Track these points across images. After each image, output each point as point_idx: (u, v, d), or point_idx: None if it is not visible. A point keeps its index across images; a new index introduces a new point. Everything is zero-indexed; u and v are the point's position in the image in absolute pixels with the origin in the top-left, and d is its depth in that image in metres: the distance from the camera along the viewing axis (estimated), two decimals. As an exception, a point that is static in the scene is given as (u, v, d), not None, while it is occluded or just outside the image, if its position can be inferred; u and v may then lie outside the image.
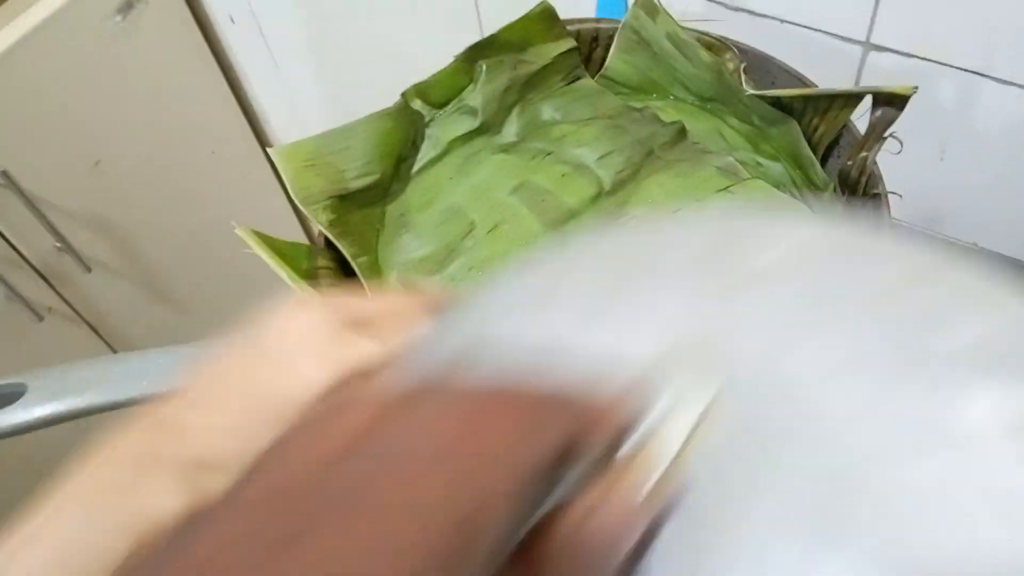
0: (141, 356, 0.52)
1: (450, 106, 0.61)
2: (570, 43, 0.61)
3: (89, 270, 1.05)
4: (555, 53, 0.61)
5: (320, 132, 0.56)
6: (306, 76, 1.08)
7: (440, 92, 0.60)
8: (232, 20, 1.08)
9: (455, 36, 0.83)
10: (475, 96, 0.60)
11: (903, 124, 0.48)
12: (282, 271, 0.50)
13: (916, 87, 0.47)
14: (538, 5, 0.59)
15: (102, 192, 1.05)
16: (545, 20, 0.60)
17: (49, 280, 1.03)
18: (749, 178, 0.54)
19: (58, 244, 1.00)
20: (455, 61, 0.59)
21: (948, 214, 0.59)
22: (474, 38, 0.58)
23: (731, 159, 0.55)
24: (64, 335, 1.05)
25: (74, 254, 1.02)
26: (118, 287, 1.11)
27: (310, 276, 0.52)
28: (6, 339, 1.00)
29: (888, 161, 0.49)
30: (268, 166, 1.26)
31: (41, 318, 1.02)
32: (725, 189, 0.54)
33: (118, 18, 0.98)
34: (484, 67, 0.59)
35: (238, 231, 0.50)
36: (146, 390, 0.51)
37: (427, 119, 0.60)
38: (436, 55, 0.59)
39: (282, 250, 0.51)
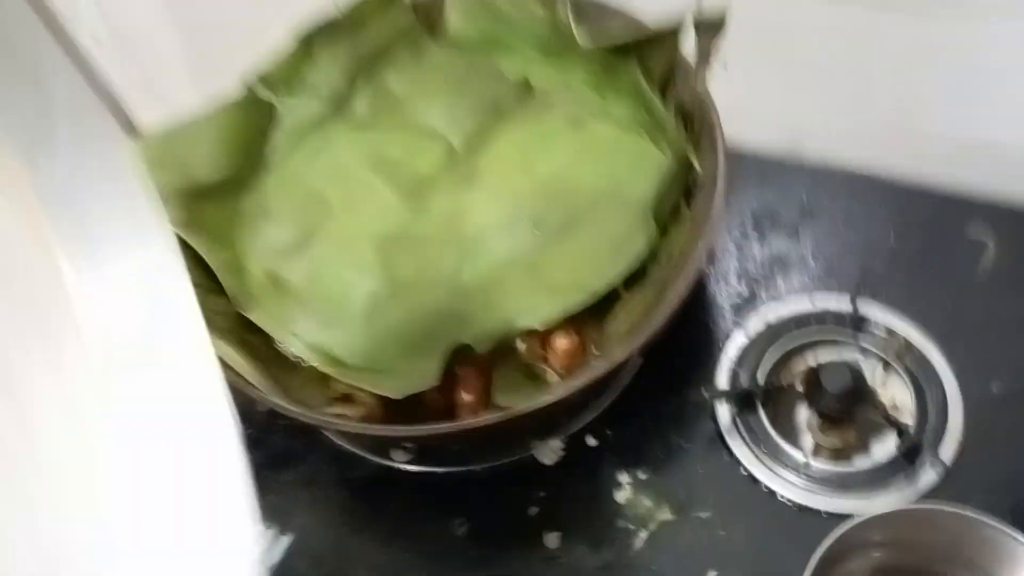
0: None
1: (296, 90, 0.60)
2: (404, 16, 0.61)
3: None
4: (394, 29, 0.61)
5: (169, 127, 0.55)
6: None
7: (283, 77, 0.59)
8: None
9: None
10: (318, 75, 0.59)
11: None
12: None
13: (728, 7, 0.48)
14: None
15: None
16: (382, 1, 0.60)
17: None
18: (593, 122, 0.55)
19: None
20: (294, 45, 0.58)
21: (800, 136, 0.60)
22: None
23: (578, 108, 0.55)
24: None
25: None
26: None
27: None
28: None
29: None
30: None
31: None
32: (572, 137, 0.54)
33: None
34: (324, 47, 0.59)
35: None
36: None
37: (275, 106, 0.59)
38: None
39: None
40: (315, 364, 0.49)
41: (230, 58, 0.59)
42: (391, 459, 0.53)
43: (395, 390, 0.47)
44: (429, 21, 0.62)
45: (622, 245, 0.49)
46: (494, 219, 0.52)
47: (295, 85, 0.59)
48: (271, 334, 0.50)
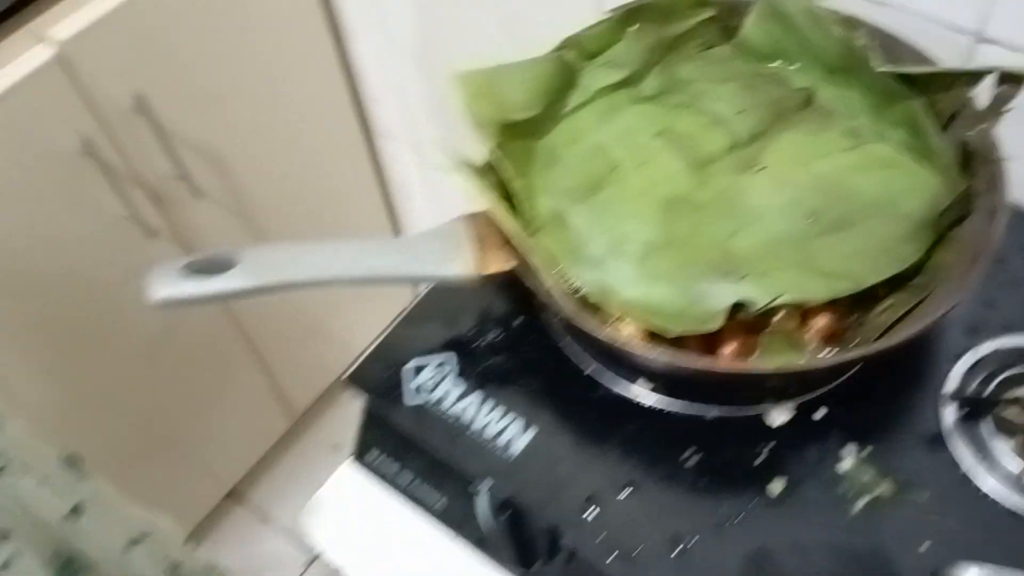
0: (331, 245, 0.58)
1: (599, 59, 0.67)
2: (711, 12, 0.68)
3: (200, 198, 1.12)
4: (696, 20, 0.68)
5: (492, 66, 0.63)
6: (413, 33, 1.14)
7: (592, 46, 0.67)
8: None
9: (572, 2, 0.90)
10: (623, 53, 0.67)
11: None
12: (475, 183, 0.57)
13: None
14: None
15: (219, 125, 1.12)
16: None
17: (161, 205, 1.09)
18: (873, 141, 0.61)
19: (175, 171, 1.07)
20: (609, 20, 0.66)
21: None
22: (590, 7, 0.66)
23: (857, 123, 0.62)
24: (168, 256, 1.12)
25: (189, 181, 1.08)
26: (222, 217, 1.18)
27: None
28: (120, 255, 1.07)
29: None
30: (356, 118, 1.33)
31: (152, 237, 1.09)
32: (851, 149, 0.61)
33: (253, -37, 1.05)
34: (635, 27, 0.66)
35: (435, 149, 0.58)
36: (337, 273, 0.58)
37: (578, 69, 0.67)
38: (551, 22, 0.66)
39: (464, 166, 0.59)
40: (592, 294, 0.56)
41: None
42: (633, 386, 0.60)
43: (674, 324, 0.53)
44: (724, 23, 0.68)
45: (893, 249, 0.55)
46: (772, 202, 0.59)
47: (599, 54, 0.67)
48: (556, 260, 0.58)
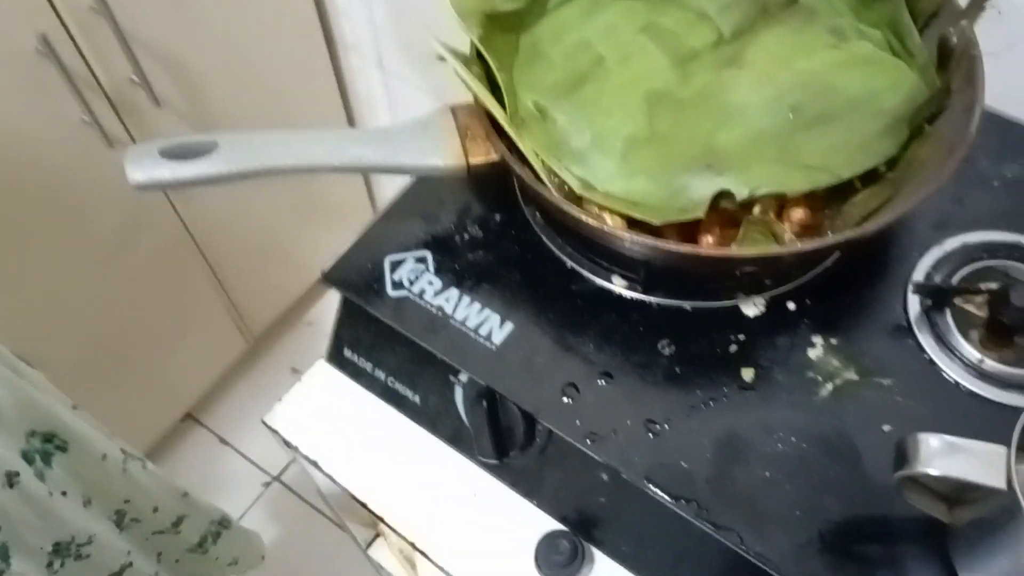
0: (314, 133, 0.58)
1: None
2: None
3: (159, 106, 1.09)
4: None
5: None
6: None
7: None
8: None
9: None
10: None
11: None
12: (461, 70, 0.56)
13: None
14: None
15: (180, 33, 1.08)
16: None
17: (119, 111, 1.06)
18: (855, 39, 0.61)
19: (135, 77, 1.04)
20: None
21: (1015, 97, 0.67)
22: None
23: (839, 21, 0.62)
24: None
25: (148, 88, 1.05)
26: (180, 128, 1.15)
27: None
28: (80, 161, 1.04)
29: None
30: (321, 31, 1.30)
31: (112, 145, 1.06)
32: (834, 47, 0.61)
33: None
34: None
35: (432, 42, 0.56)
36: (320, 160, 0.57)
37: None
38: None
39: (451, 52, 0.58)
40: (575, 187, 0.57)
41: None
42: (611, 282, 0.61)
43: (656, 216, 0.54)
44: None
45: (871, 144, 0.56)
46: (754, 98, 0.59)
47: None
48: (539, 154, 0.58)
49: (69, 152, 1.03)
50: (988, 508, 0.45)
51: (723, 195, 0.54)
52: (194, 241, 1.27)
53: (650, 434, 0.54)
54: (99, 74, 1.01)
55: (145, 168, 0.53)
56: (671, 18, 0.63)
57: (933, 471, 0.42)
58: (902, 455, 0.44)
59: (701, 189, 0.55)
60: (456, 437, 0.63)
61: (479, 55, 0.60)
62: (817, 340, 0.57)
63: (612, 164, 0.58)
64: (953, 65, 0.57)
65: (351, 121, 1.47)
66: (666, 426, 0.55)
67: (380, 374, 0.65)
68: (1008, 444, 0.42)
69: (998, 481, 0.41)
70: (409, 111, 1.32)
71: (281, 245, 1.44)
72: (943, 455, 0.42)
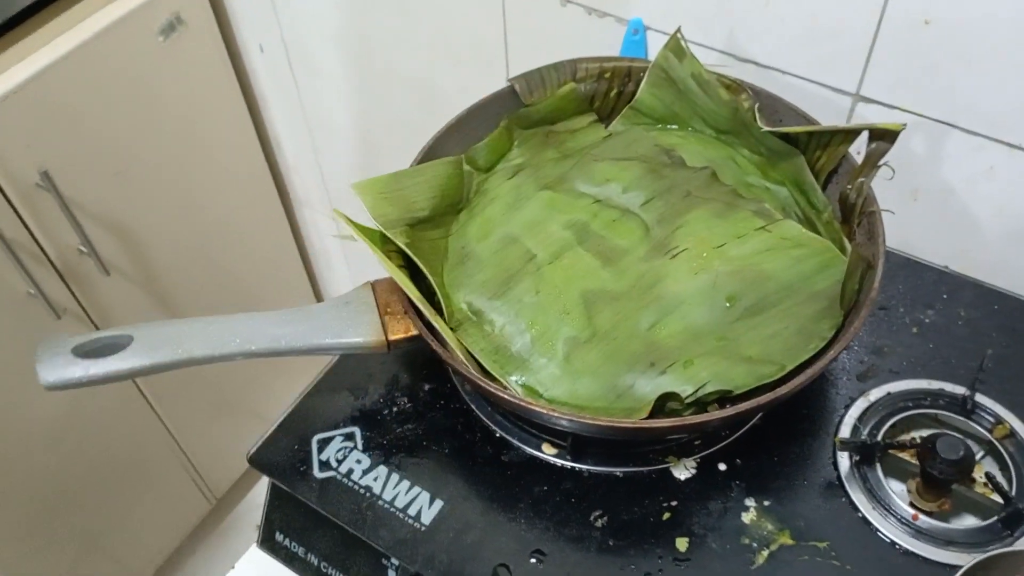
0: (231, 319, 0.58)
1: (497, 167, 0.69)
2: (592, 117, 0.70)
3: (108, 274, 1.09)
4: (581, 125, 0.71)
5: (393, 172, 0.63)
6: (329, 104, 1.15)
7: (486, 157, 0.68)
8: (261, 49, 1.15)
9: (484, 73, 0.92)
10: (517, 157, 0.68)
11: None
12: (374, 249, 0.57)
13: (905, 124, 0.57)
14: (566, 86, 0.69)
15: (127, 200, 1.10)
16: (572, 100, 0.70)
17: (68, 281, 1.07)
18: (782, 219, 0.61)
19: (82, 247, 1.05)
20: (498, 129, 0.68)
21: (922, 243, 0.69)
22: (501, 77, 0.67)
23: (764, 205, 0.62)
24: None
25: (96, 257, 1.06)
26: (132, 293, 1.15)
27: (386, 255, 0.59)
28: (26, 333, 1.03)
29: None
30: (274, 188, 1.33)
31: (59, 316, 1.06)
32: (762, 228, 0.61)
33: (160, 38, 1.05)
34: (522, 136, 0.69)
35: (336, 214, 0.57)
36: (237, 348, 0.57)
37: (476, 180, 0.67)
38: (464, 92, 0.67)
39: (364, 231, 0.59)
40: (520, 393, 0.56)
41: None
42: (541, 451, 0.60)
43: (603, 416, 0.53)
44: (615, 86, 0.71)
45: (811, 329, 0.55)
46: (690, 288, 0.58)
47: (494, 162, 0.69)
48: (478, 358, 0.57)
49: (15, 326, 1.03)
50: None
51: (669, 396, 0.52)
52: (147, 403, 1.25)
53: (585, 615, 0.52)
54: (45, 245, 1.02)
55: (57, 368, 0.53)
56: (597, 220, 0.62)
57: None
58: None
59: (646, 388, 0.54)
60: (392, 624, 0.60)
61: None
62: (750, 503, 0.56)
63: (555, 367, 0.56)
64: (854, 221, 0.59)
65: (310, 276, 1.49)
66: (601, 605, 0.53)
67: (313, 559, 0.63)
68: (935, 623, 0.41)
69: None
70: (366, 263, 1.34)
71: (238, 399, 1.43)
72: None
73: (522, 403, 0.53)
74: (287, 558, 0.64)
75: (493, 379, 0.56)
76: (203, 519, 1.47)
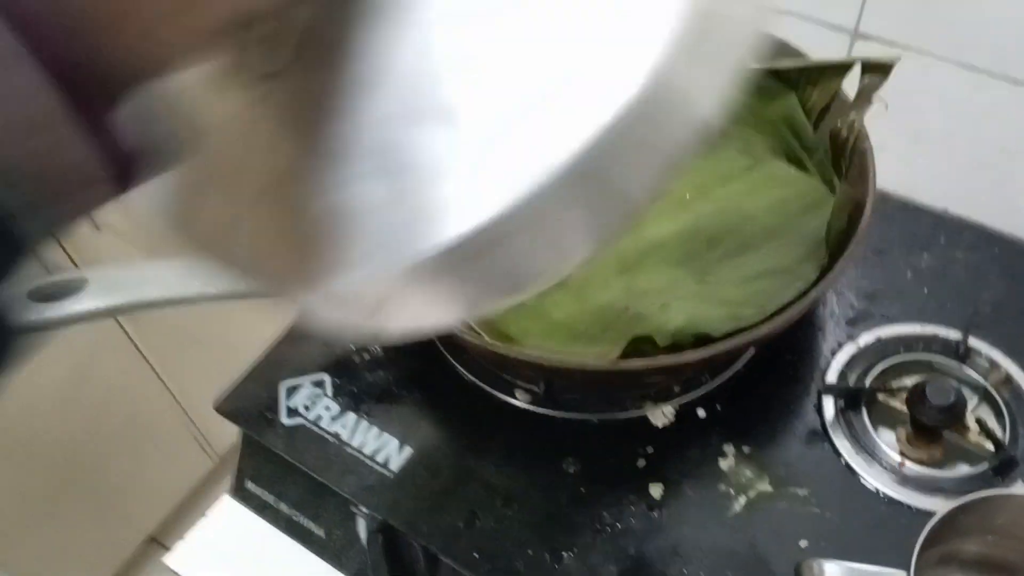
0: (192, 260, 0.56)
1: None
2: None
3: (99, 230, 1.08)
4: None
5: None
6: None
7: None
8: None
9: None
10: None
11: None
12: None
13: (899, 56, 0.54)
14: None
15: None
16: None
17: (60, 241, 1.06)
18: (769, 159, 0.59)
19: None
20: None
21: (921, 186, 0.66)
22: None
23: (751, 144, 0.59)
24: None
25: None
26: (125, 249, 1.15)
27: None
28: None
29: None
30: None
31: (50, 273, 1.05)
32: (748, 168, 0.59)
33: None
34: None
35: None
36: (195, 291, 0.55)
37: None
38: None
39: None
40: (487, 337, 0.53)
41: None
42: (513, 397, 0.58)
43: (574, 358, 0.51)
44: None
45: (795, 271, 0.53)
46: (670, 230, 0.56)
47: None
48: None
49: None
50: (900, 637, 0.41)
51: (642, 339, 0.50)
52: (148, 363, 1.25)
53: (555, 564, 0.51)
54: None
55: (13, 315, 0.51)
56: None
57: (830, 602, 0.39)
58: (798, 583, 0.40)
59: (619, 332, 0.52)
60: (363, 573, 0.59)
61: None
62: (728, 449, 0.54)
63: (527, 317, 0.54)
64: (845, 159, 0.56)
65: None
66: (572, 553, 0.51)
67: (284, 507, 0.61)
68: (908, 565, 0.39)
69: (899, 611, 0.38)
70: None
71: (238, 358, 1.42)
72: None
73: (492, 348, 0.51)
74: (259, 507, 0.63)
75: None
76: (206, 476, 1.47)
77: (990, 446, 0.52)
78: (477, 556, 0.51)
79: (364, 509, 0.56)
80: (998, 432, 0.53)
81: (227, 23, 0.20)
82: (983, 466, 0.51)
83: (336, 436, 0.57)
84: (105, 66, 0.18)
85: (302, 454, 0.57)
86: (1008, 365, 0.55)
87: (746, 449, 0.53)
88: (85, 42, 0.17)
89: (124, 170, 0.19)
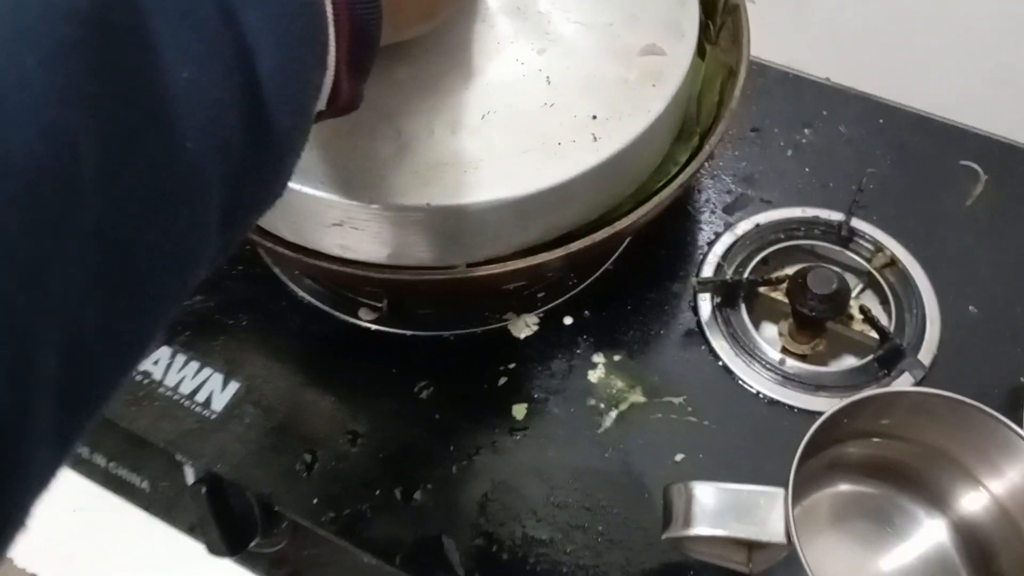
0: None
1: None
2: None
3: None
4: None
5: None
6: None
7: None
8: None
9: None
10: None
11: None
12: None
13: None
14: None
15: None
16: None
17: None
18: None
19: None
20: None
21: (803, 56, 0.60)
22: None
23: None
24: None
25: None
26: None
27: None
28: None
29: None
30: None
31: None
32: None
33: None
34: None
35: None
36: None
37: None
38: None
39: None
40: None
41: None
42: (357, 317, 0.50)
43: None
44: None
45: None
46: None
47: None
48: None
49: None
50: (779, 557, 0.36)
51: None
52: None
53: (406, 502, 0.44)
54: None
55: None
56: None
57: (702, 531, 0.34)
58: (669, 511, 0.35)
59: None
60: (196, 527, 0.51)
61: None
62: (598, 359, 0.48)
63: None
64: (716, 20, 0.49)
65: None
66: (426, 489, 0.45)
67: (99, 460, 0.53)
68: (787, 481, 0.34)
69: (777, 535, 0.33)
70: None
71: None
72: (715, 510, 0.34)
73: (327, 266, 0.43)
74: (73, 461, 0.54)
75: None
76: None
77: (875, 335, 0.48)
78: (317, 502, 0.44)
79: (190, 461, 0.48)
80: (883, 320, 0.49)
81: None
82: (868, 358, 0.47)
83: (146, 375, 0.49)
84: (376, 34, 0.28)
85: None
86: (893, 246, 0.50)
87: (617, 358, 0.48)
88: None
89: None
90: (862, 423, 0.38)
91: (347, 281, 0.49)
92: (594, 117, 0.40)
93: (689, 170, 0.43)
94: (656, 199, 0.42)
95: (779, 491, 0.33)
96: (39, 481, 0.16)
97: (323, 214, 0.40)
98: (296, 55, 0.23)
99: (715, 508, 0.33)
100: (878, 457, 0.40)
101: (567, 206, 0.41)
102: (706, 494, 0.34)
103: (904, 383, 0.46)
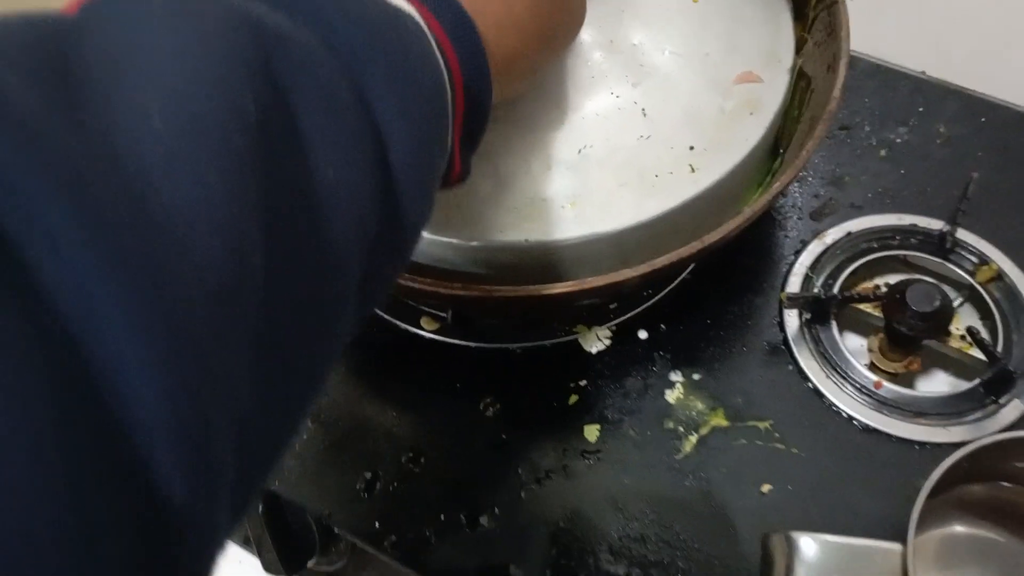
0: None
1: None
2: None
3: None
4: None
5: None
6: None
7: None
8: None
9: None
10: None
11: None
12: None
13: None
14: None
15: None
16: None
17: None
18: None
19: None
20: None
21: (896, 46, 0.56)
22: None
23: None
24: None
25: None
26: None
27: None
28: None
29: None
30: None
31: None
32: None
33: None
34: None
35: None
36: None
37: None
38: None
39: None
40: None
41: None
42: (419, 327, 0.48)
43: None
44: None
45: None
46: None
47: None
48: None
49: None
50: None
51: None
52: None
53: (472, 529, 0.42)
54: None
55: None
56: None
57: (807, 586, 0.31)
58: (769, 566, 0.32)
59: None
60: (250, 539, 0.50)
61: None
62: (676, 378, 0.45)
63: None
64: (810, 13, 0.45)
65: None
66: (492, 516, 0.42)
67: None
68: (904, 536, 0.31)
69: (893, 594, 0.30)
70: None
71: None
72: (822, 567, 0.31)
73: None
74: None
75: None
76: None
77: (978, 355, 0.44)
78: (378, 525, 0.42)
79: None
80: (988, 340, 0.45)
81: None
82: (969, 382, 0.43)
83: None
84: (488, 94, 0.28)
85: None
86: (999, 259, 0.46)
87: (696, 376, 0.45)
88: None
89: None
90: (994, 463, 0.34)
91: (413, 295, 0.47)
92: (691, 148, 0.39)
93: (784, 179, 0.39)
94: (747, 211, 0.39)
95: (896, 548, 0.30)
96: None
97: (422, 251, 0.39)
98: (426, 142, 0.23)
99: (821, 565, 0.30)
100: (1005, 501, 0.36)
101: (666, 238, 0.38)
102: (811, 548, 0.31)
103: (1015, 411, 0.42)
